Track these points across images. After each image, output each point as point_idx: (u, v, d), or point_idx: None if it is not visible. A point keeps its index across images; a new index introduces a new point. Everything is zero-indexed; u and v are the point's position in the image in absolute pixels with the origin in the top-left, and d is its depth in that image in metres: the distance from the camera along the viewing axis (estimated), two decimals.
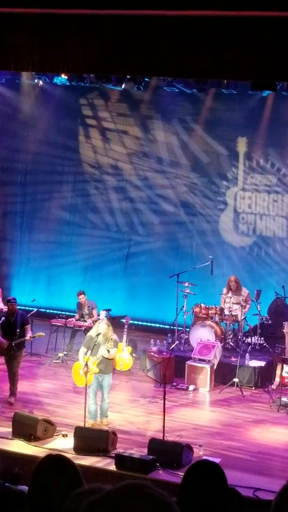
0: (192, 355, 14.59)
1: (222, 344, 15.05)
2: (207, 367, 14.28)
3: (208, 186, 17.80)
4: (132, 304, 17.74)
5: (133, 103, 18.18)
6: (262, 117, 16.82)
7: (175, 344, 14.64)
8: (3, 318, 13.22)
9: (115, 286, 18.32)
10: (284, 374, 13.70)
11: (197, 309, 15.53)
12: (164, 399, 11.38)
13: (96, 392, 12.12)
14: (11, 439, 11.11)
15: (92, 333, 12.26)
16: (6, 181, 19.75)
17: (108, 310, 15.20)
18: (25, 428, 11.16)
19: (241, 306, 15.30)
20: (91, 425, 11.76)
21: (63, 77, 16.74)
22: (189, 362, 14.50)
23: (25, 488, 4.61)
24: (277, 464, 10.93)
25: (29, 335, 13.23)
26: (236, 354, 14.70)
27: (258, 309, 15.27)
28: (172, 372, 14.15)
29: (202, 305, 15.52)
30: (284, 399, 13.25)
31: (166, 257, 18.03)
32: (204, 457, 9.89)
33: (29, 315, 14.55)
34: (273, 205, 17.23)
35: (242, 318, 15.34)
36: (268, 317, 15.58)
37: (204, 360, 14.46)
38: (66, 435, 11.25)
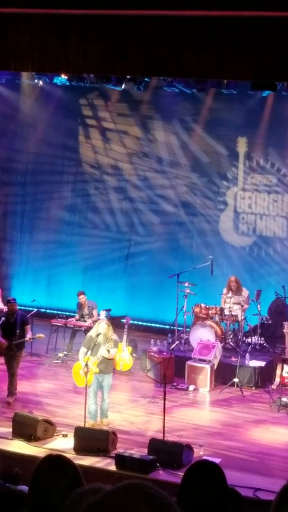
0: (192, 355, 14.59)
1: (222, 344, 15.05)
2: (207, 367, 14.28)
3: (208, 186, 17.80)
4: (132, 304, 17.74)
5: (133, 103, 18.18)
6: (262, 117, 16.82)
7: (175, 344, 14.64)
8: (3, 318, 13.22)
9: (115, 286, 18.32)
10: (284, 374, 13.70)
11: (197, 309, 15.53)
12: (164, 399, 11.38)
13: (96, 392, 12.12)
14: (11, 439, 11.11)
15: (92, 333, 12.26)
16: (6, 181, 19.76)
17: (108, 310, 15.20)
18: (25, 428, 11.16)
19: (241, 306, 15.30)
20: (91, 425, 11.76)
21: (63, 77, 16.73)
22: (189, 362, 14.50)
23: (25, 488, 4.61)
24: (277, 464, 10.93)
25: (28, 336, 13.23)
26: (236, 354, 14.70)
27: (258, 309, 15.26)
28: (172, 372, 14.15)
29: (202, 305, 15.52)
30: (284, 399, 13.25)
31: (166, 257, 18.03)
32: (204, 457, 9.89)
33: (29, 315, 14.56)
34: (273, 205, 17.23)
35: (242, 318, 15.33)
36: (268, 317, 15.58)
37: (204, 360, 14.46)
38: (66, 435, 11.25)
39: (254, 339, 15.37)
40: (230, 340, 15.43)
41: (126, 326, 15.14)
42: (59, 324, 15.97)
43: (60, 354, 15.41)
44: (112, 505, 1.92)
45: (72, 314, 16.39)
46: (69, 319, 16.05)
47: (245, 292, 15.64)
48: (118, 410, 12.77)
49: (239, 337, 15.37)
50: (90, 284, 18.18)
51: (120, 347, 13.62)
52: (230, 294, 15.45)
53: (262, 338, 15.37)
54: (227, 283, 15.80)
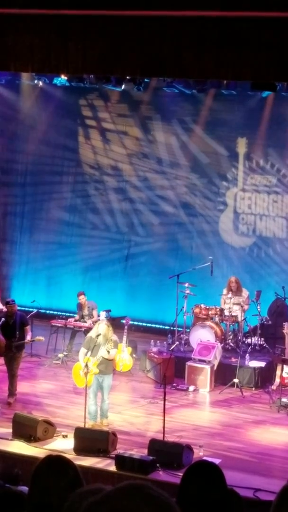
0: (192, 356, 14.59)
1: (222, 344, 15.04)
2: (207, 367, 14.28)
3: (208, 186, 17.80)
4: (132, 304, 17.74)
5: (133, 104, 18.18)
6: (262, 117, 16.82)
7: (175, 344, 14.64)
8: (3, 319, 13.20)
9: (115, 287, 18.32)
10: (284, 374, 13.70)
11: (197, 310, 15.53)
12: (164, 400, 11.38)
13: (96, 393, 12.12)
14: (11, 440, 11.10)
15: (92, 334, 12.26)
16: (6, 181, 19.75)
17: (108, 311, 15.21)
18: (25, 429, 11.15)
19: (241, 306, 15.30)
20: (91, 426, 11.76)
21: (63, 78, 16.74)
22: (189, 363, 14.50)
23: (25, 489, 4.61)
24: (277, 465, 10.94)
25: (28, 338, 13.22)
26: (236, 354, 14.69)
27: (258, 309, 15.26)
28: (172, 373, 14.15)
29: (202, 305, 15.52)
30: (284, 399, 13.25)
31: (166, 258, 18.03)
32: (204, 458, 9.88)
33: (29, 316, 14.56)
34: (273, 206, 17.23)
35: (242, 318, 15.33)
36: (268, 318, 15.57)
37: (204, 361, 14.46)
38: (66, 436, 11.25)
39: (254, 339, 15.36)
40: (230, 340, 15.43)
41: (126, 327, 15.14)
42: (59, 325, 15.96)
43: (60, 355, 15.40)
44: (112, 506, 1.91)
45: (72, 314, 16.37)
46: (69, 320, 16.04)
47: (245, 293, 15.64)
48: (118, 410, 12.77)
49: (239, 337, 15.37)
50: (90, 284, 18.18)
51: (120, 347, 13.61)
52: (230, 295, 15.45)
53: (262, 339, 15.37)
54: (227, 283, 15.79)
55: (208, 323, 15.17)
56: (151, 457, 10.26)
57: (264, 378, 14.43)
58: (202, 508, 3.15)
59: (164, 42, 10.41)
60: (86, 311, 15.96)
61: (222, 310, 15.47)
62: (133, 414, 12.79)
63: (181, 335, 15.64)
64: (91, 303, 16.07)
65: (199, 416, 13.02)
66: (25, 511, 3.21)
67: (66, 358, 15.42)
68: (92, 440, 10.79)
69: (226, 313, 15.35)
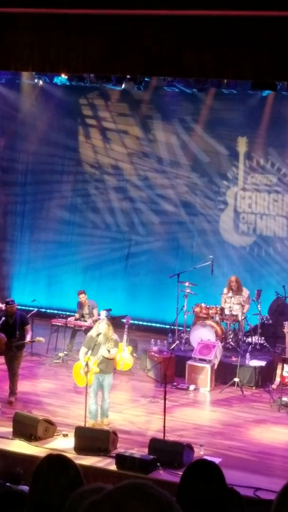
0: (192, 355, 14.59)
1: (222, 344, 15.04)
2: (208, 367, 14.28)
3: (209, 186, 17.80)
4: (133, 304, 17.74)
5: (133, 103, 18.18)
6: (262, 116, 16.81)
7: (175, 344, 14.64)
8: (3, 318, 13.20)
9: (115, 286, 18.32)
10: (284, 373, 13.70)
11: (197, 309, 15.53)
12: (165, 399, 11.38)
13: (96, 392, 12.12)
14: (11, 439, 11.10)
15: (92, 333, 12.26)
16: (7, 181, 19.75)
17: (108, 310, 15.20)
18: (26, 428, 11.15)
19: (241, 306, 15.29)
20: (92, 425, 11.76)
21: (63, 77, 16.74)
22: (189, 362, 14.50)
23: (26, 488, 4.61)
24: (278, 464, 10.94)
25: (28, 338, 13.22)
26: (236, 354, 14.69)
27: (259, 308, 15.26)
28: (172, 372, 14.15)
29: (203, 304, 15.52)
30: (284, 398, 13.24)
31: (167, 257, 18.03)
32: (205, 457, 9.88)
33: (29, 315, 14.56)
34: (274, 205, 17.23)
35: (243, 318, 15.33)
36: (268, 317, 15.57)
37: (204, 360, 14.46)
38: (67, 435, 11.25)
39: (255, 338, 15.36)
40: (230, 339, 15.43)
41: (126, 326, 15.14)
42: (60, 324, 15.96)
43: (61, 354, 15.41)
44: (113, 505, 1.91)
45: (73, 314, 16.37)
46: (69, 318, 16.05)
47: (245, 292, 15.63)
48: (118, 410, 12.77)
49: (240, 336, 15.37)
50: (90, 284, 18.18)
51: (120, 347, 13.62)
52: (230, 294, 15.45)
53: (263, 338, 15.37)
54: (228, 283, 15.79)
55: (209, 322, 15.17)
56: (151, 456, 10.27)
57: (264, 377, 14.43)
58: (201, 507, 3.16)
59: (165, 41, 10.42)
60: (86, 310, 15.97)
61: (222, 309, 15.47)
62: (133, 413, 12.79)
63: (182, 334, 15.64)
64: (91, 302, 16.08)
65: (200, 415, 13.02)
66: (26, 510, 3.21)
67: (67, 357, 15.42)
68: (93, 439, 10.79)
69: (227, 312, 15.34)
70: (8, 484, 5.56)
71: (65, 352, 15.52)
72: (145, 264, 18.35)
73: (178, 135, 17.97)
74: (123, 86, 16.67)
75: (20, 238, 19.63)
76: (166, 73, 12.55)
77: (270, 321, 15.55)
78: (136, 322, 16.95)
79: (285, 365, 13.69)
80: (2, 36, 11.08)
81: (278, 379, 13.76)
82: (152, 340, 15.68)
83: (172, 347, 14.30)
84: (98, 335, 12.01)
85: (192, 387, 14.18)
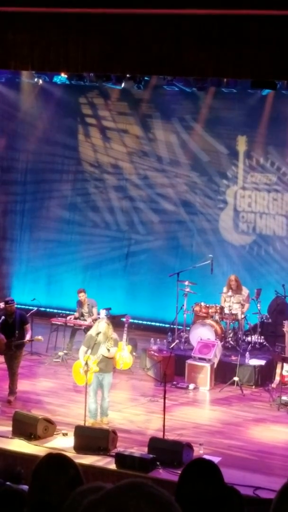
0: (192, 354, 14.59)
1: (222, 343, 15.04)
2: (207, 366, 14.28)
3: (208, 185, 17.80)
4: (132, 303, 17.74)
5: (133, 102, 18.17)
6: (262, 115, 16.81)
7: (175, 343, 14.65)
8: (2, 317, 13.20)
9: (115, 285, 18.32)
10: (284, 372, 13.71)
11: (197, 308, 15.53)
12: (164, 398, 11.38)
13: (96, 391, 12.12)
14: (11, 438, 11.10)
15: (92, 332, 12.27)
16: (6, 179, 19.75)
17: (108, 309, 15.20)
18: (25, 427, 11.15)
19: (241, 305, 15.29)
20: (92, 424, 11.76)
21: (63, 76, 16.73)
22: (189, 361, 14.50)
23: (27, 487, 4.61)
24: (278, 463, 10.94)
25: (28, 337, 13.21)
26: (236, 353, 14.70)
27: (258, 307, 15.26)
28: (172, 371, 14.15)
29: (202, 304, 15.52)
30: (284, 397, 13.24)
31: (166, 256, 18.03)
32: (205, 456, 9.89)
33: (29, 314, 14.56)
34: (273, 204, 17.23)
35: (242, 317, 15.33)
36: (268, 316, 15.57)
37: (204, 359, 14.46)
38: (67, 434, 11.25)
39: (254, 337, 15.37)
40: (230, 338, 15.43)
41: (126, 325, 15.14)
42: (59, 323, 15.96)
43: (60, 353, 15.41)
44: (113, 504, 1.92)
45: (72, 313, 16.37)
46: (68, 317, 16.05)
47: (245, 291, 15.63)
48: (118, 409, 12.77)
49: (239, 335, 15.37)
50: (90, 283, 18.17)
51: (120, 346, 13.62)
52: (230, 293, 15.45)
53: (262, 337, 15.37)
54: (227, 282, 15.79)
55: (208, 321, 15.17)
56: (151, 455, 10.27)
57: (264, 376, 14.43)
58: (200, 506, 3.16)
59: (164, 40, 10.42)
60: (85, 309, 15.97)
61: (222, 308, 15.47)
62: (133, 412, 12.79)
63: (181, 333, 15.64)
64: (91, 301, 16.08)
65: (199, 414, 13.02)
66: (26, 510, 3.21)
67: (66, 356, 15.42)
68: (92, 438, 10.79)
69: (226, 311, 15.34)
70: (8, 483, 5.56)
71: (65, 351, 15.52)
72: (145, 263, 18.36)
73: (178, 134, 17.97)
74: (122, 85, 16.67)
75: (20, 237, 19.63)
76: (166, 72, 12.54)
77: (270, 320, 15.56)
78: (135, 321, 16.96)
79: (284, 364, 13.70)
80: (1, 35, 11.07)
81: (277, 378, 13.77)
82: (152, 339, 15.69)
83: (171, 346, 14.31)
84: (97, 334, 12.01)
85: (191, 386, 14.18)
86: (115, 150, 18.70)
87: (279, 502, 2.40)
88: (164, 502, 1.93)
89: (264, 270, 17.23)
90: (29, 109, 18.97)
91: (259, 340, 15.30)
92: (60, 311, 17.55)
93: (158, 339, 15.67)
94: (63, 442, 11.03)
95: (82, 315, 16.00)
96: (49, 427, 11.25)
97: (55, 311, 17.99)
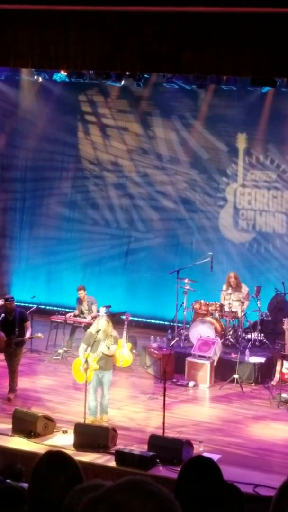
0: (192, 352, 14.59)
1: (222, 340, 15.05)
2: (207, 363, 14.28)
3: (208, 182, 17.79)
4: (132, 300, 17.74)
5: (132, 99, 18.16)
6: (261, 113, 16.80)
7: (175, 340, 14.65)
8: (2, 315, 13.20)
9: (115, 283, 18.32)
10: (284, 370, 13.72)
11: (197, 306, 15.53)
12: (164, 396, 11.39)
13: (96, 389, 12.13)
14: (11, 435, 11.11)
15: (92, 329, 12.27)
16: (6, 177, 19.74)
17: (108, 307, 15.20)
18: (25, 425, 11.16)
19: (241, 302, 15.30)
20: (91, 421, 11.78)
21: (63, 73, 16.71)
22: (189, 359, 14.50)
23: (26, 485, 4.61)
24: (277, 460, 10.95)
25: (28, 334, 13.22)
26: (236, 350, 14.70)
27: (258, 305, 15.26)
28: (172, 369, 14.15)
29: (202, 301, 15.53)
30: (284, 395, 13.25)
31: (166, 254, 18.03)
32: (204, 453, 9.89)
33: (28, 311, 14.56)
34: (273, 201, 17.23)
35: (242, 314, 15.33)
36: (268, 314, 15.58)
37: (204, 357, 14.46)
38: (66, 432, 11.26)
39: (254, 335, 15.38)
40: (230, 336, 15.44)
41: (126, 323, 15.14)
42: (59, 321, 15.96)
43: (60, 351, 15.41)
44: (112, 502, 1.92)
45: (72, 310, 16.36)
46: (68, 314, 16.04)
47: (244, 289, 15.63)
48: (118, 406, 12.78)
49: (239, 333, 15.37)
50: (90, 280, 18.17)
51: (120, 343, 13.62)
52: (229, 291, 15.45)
53: (262, 335, 15.38)
54: (226, 279, 15.78)
55: (208, 318, 15.17)
56: (151, 453, 10.27)
57: (264, 374, 14.44)
58: (199, 503, 3.16)
59: (164, 38, 10.40)
60: (85, 306, 15.97)
61: (222, 305, 15.48)
62: (133, 410, 12.80)
63: (181, 330, 15.64)
64: (90, 298, 16.08)
65: (199, 412, 13.03)
66: (25, 507, 3.21)
67: (66, 353, 15.42)
68: (92, 436, 10.80)
69: (226, 308, 15.35)
70: (8, 481, 5.57)
71: (65, 349, 15.52)
72: (145, 261, 18.35)
73: (178, 132, 17.96)
74: (122, 82, 16.66)
75: (20, 235, 19.63)
76: (165, 69, 12.54)
77: (270, 318, 15.56)
78: (135, 318, 16.96)
79: (284, 361, 13.70)
80: (1, 32, 11.06)
81: (277, 375, 13.78)
82: (152, 336, 15.68)
83: (171, 343, 14.32)
84: (97, 331, 12.01)
85: (191, 383, 14.19)
86: (115, 148, 18.70)
87: (279, 500, 2.40)
88: (164, 500, 1.93)
89: (264, 268, 17.23)
90: (28, 106, 18.95)
91: (259, 338, 15.31)
92: (60, 309, 17.54)
93: (158, 337, 15.66)
94: (63, 439, 11.04)
95: (81, 312, 16.01)
96: (49, 425, 11.26)
97: (55, 308, 17.96)
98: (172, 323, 16.00)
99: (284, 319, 14.49)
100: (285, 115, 16.70)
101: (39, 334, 13.75)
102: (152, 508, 1.89)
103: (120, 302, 17.02)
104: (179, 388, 14.00)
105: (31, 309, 15.53)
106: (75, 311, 16.12)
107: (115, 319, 14.41)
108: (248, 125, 17.18)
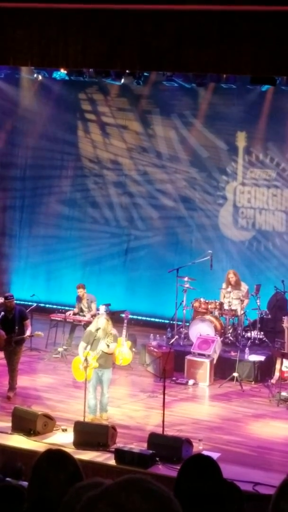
0: (191, 350, 14.60)
1: (221, 338, 15.05)
2: (207, 361, 14.29)
3: (208, 180, 17.79)
4: (132, 298, 17.75)
5: (132, 97, 18.16)
6: (261, 111, 16.80)
7: (174, 338, 14.65)
8: (2, 313, 13.20)
9: (114, 281, 18.32)
10: (283, 368, 13.72)
11: (196, 304, 15.53)
12: (164, 394, 11.38)
13: (95, 387, 12.13)
14: (10, 434, 11.11)
15: (91, 327, 12.27)
16: (6, 175, 19.74)
17: (107, 305, 15.20)
18: (25, 423, 11.16)
19: (241, 301, 15.30)
20: (91, 419, 11.78)
21: (62, 71, 16.72)
22: (188, 357, 14.51)
23: (26, 484, 4.62)
24: (277, 459, 10.95)
25: (28, 333, 13.22)
26: (235, 348, 14.70)
27: (258, 303, 15.27)
28: (171, 367, 14.15)
29: (202, 299, 15.53)
30: (283, 393, 13.26)
31: (166, 252, 18.04)
32: (204, 452, 9.89)
33: (28, 310, 14.55)
34: (273, 200, 17.23)
35: (242, 312, 15.33)
36: (267, 312, 15.58)
37: (203, 355, 14.47)
38: (66, 430, 11.26)
39: (254, 333, 15.38)
40: (229, 334, 15.44)
41: (125, 321, 15.15)
42: (59, 319, 15.96)
43: (60, 349, 15.42)
44: (112, 500, 1.92)
45: (72, 308, 16.36)
46: (67, 312, 16.03)
47: (244, 287, 15.64)
48: (117, 404, 12.78)
49: (239, 331, 15.38)
50: (90, 278, 18.16)
51: (119, 341, 13.63)
52: (229, 289, 15.46)
53: (262, 333, 15.38)
54: (226, 277, 15.79)
55: (208, 317, 15.18)
56: (150, 451, 10.27)
57: (263, 372, 14.44)
58: (198, 501, 3.17)
59: (164, 36, 10.39)
60: (85, 304, 15.97)
61: (221, 304, 15.48)
62: (132, 408, 12.80)
63: (181, 329, 15.65)
64: (89, 296, 16.08)
65: (199, 410, 13.03)
66: (25, 505, 3.22)
67: (66, 352, 15.43)
68: (92, 434, 10.80)
69: (226, 307, 15.36)
70: (8, 479, 5.57)
71: (64, 347, 15.53)
72: (144, 259, 18.36)
73: (177, 130, 17.96)
74: (122, 81, 16.66)
75: (19, 233, 19.63)
76: (165, 68, 12.52)
77: (269, 316, 15.57)
78: (135, 317, 16.96)
79: (284, 360, 13.71)
80: (0, 31, 11.05)
81: (277, 374, 13.78)
82: (151, 335, 15.69)
83: (171, 342, 14.32)
84: (97, 330, 12.01)
85: (191, 382, 14.19)
86: (115, 146, 18.70)
87: (278, 498, 2.41)
88: (163, 498, 1.93)
89: (264, 266, 17.24)
90: (28, 105, 18.95)
91: (258, 336, 15.32)
92: (60, 307, 17.55)
93: (157, 335, 15.66)
94: (62, 438, 11.04)
95: (81, 310, 16.01)
96: (48, 423, 11.27)
97: (55, 307, 17.99)
98: (171, 321, 16.00)
99: (283, 317, 14.48)
100: (284, 113, 16.69)
101: (39, 332, 13.74)
102: (152, 506, 1.90)
103: (119, 300, 17.03)
104: (179, 386, 14.00)
105: (31, 307, 15.53)
106: (74, 309, 16.12)
107: (115, 317, 14.42)
108: (248, 123, 17.18)
